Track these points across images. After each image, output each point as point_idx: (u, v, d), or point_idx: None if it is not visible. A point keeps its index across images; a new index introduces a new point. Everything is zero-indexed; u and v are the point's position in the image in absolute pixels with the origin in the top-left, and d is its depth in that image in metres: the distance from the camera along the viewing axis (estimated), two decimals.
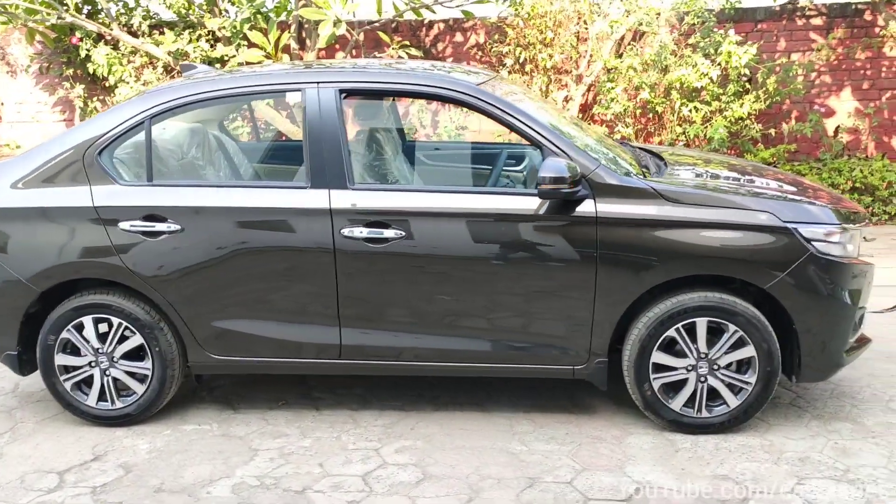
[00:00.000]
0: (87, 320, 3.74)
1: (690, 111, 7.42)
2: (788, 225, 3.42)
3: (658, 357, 3.56)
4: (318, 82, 3.66)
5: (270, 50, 7.30)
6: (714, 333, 3.53)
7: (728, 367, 3.56)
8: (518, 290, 3.55)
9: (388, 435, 3.71)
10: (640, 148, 4.59)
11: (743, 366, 3.57)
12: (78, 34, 7.73)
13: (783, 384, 4.03)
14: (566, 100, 7.99)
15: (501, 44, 8.00)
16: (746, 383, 3.55)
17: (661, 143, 7.72)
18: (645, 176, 3.72)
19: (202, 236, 3.62)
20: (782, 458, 3.41)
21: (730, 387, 3.57)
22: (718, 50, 7.16)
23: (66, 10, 7.30)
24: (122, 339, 3.76)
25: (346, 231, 3.54)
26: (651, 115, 7.77)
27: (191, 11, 7.73)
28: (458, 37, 8.62)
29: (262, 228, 3.61)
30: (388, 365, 3.72)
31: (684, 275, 3.48)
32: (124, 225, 3.62)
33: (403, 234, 3.53)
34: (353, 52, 7.93)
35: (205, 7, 7.67)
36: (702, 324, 3.50)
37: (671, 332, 3.52)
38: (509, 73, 8.10)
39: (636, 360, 3.57)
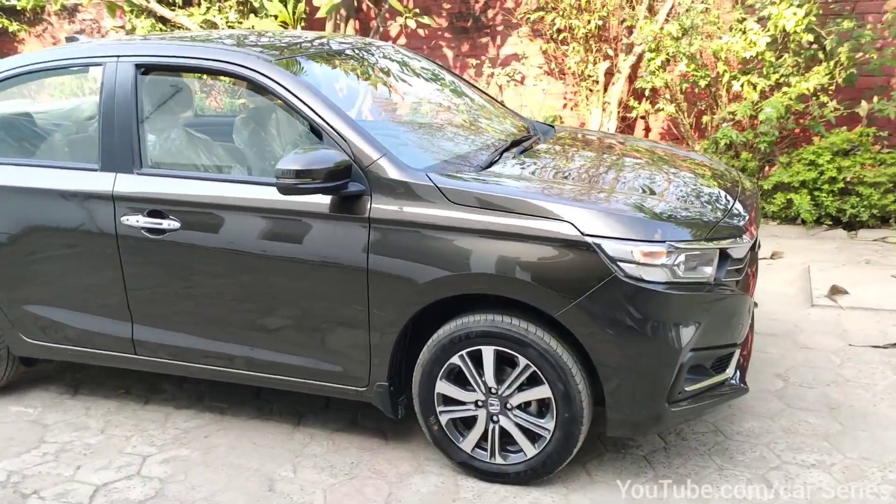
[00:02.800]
0: None
1: (742, 86, 6.30)
2: (589, 239, 2.69)
3: (443, 387, 2.99)
4: (118, 56, 3.40)
5: (288, 19, 7.12)
6: (512, 365, 2.90)
7: (525, 407, 2.92)
8: (291, 297, 3.12)
9: (176, 441, 3.45)
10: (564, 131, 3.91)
11: (543, 408, 2.91)
12: (125, 7, 8.01)
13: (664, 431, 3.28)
14: (609, 72, 7.12)
15: (535, 11, 7.25)
16: (544, 429, 2.89)
17: (710, 122, 6.65)
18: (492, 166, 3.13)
19: (4, 217, 3.52)
20: None
21: (526, 432, 2.92)
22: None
23: None
24: None
25: (125, 219, 3.28)
26: (698, 91, 6.71)
27: None
28: (510, 2, 7.96)
29: (55, 212, 3.44)
30: (177, 365, 3.44)
31: (458, 293, 2.87)
32: None
33: (179, 225, 3.21)
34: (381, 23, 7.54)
35: None
36: (488, 353, 2.88)
37: (455, 360, 2.94)
38: (547, 42, 7.36)
39: (422, 389, 3.03)
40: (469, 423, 3.01)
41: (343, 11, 7.44)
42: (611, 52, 7.08)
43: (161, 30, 7.90)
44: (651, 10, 6.78)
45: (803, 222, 6.33)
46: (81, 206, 3.38)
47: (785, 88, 6.21)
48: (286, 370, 3.22)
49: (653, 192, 3.07)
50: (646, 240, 2.69)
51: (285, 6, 7.16)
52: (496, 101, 4.30)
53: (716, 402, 2.95)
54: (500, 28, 8.04)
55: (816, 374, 3.83)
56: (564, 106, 7.72)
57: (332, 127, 3.01)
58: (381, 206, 2.92)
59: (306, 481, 3.10)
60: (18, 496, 3.08)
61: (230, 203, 3.15)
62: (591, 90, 7.17)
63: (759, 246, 3.68)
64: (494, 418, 2.95)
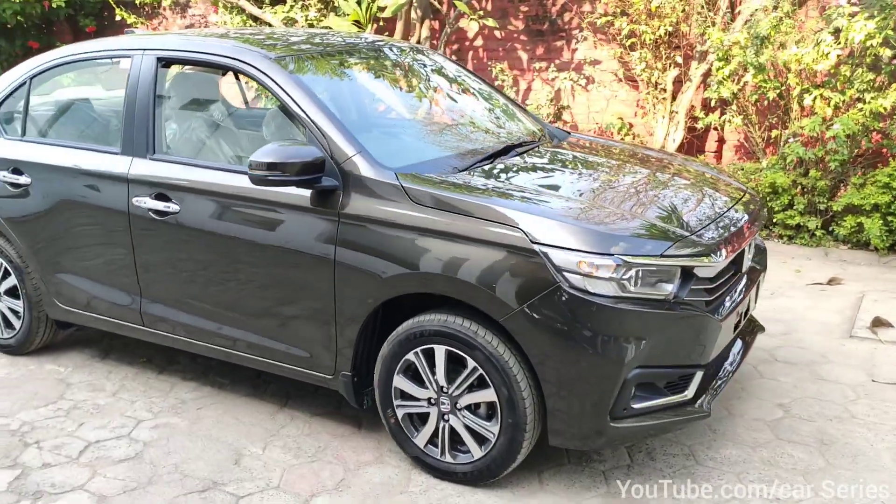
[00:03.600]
0: None
1: (815, 100, 5.98)
2: (537, 247, 2.69)
3: (400, 382, 3.07)
4: (143, 49, 3.67)
5: (362, 18, 7.33)
6: (464, 367, 2.93)
7: (475, 409, 2.95)
8: (269, 283, 3.28)
9: (172, 409, 3.69)
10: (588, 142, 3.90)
11: (491, 411, 2.93)
12: (221, 3, 8.47)
13: (638, 447, 3.23)
14: (678, 80, 6.91)
15: (603, 16, 7.12)
16: (490, 433, 2.91)
17: (778, 137, 6.35)
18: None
19: (43, 193, 3.87)
20: None
21: (474, 433, 2.95)
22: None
23: None
24: (5, 276, 4.16)
25: (136, 200, 3.54)
26: (767, 104, 6.41)
27: None
28: (587, 6, 7.86)
29: (83, 190, 3.75)
30: (174, 339, 3.68)
31: (413, 291, 2.94)
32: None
33: (178, 208, 3.43)
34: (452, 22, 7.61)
35: None
36: (440, 352, 2.94)
37: (411, 357, 3.01)
38: (619, 47, 7.22)
39: (381, 382, 3.11)
40: (423, 419, 3.07)
41: (419, 11, 7.58)
42: (680, 60, 6.88)
43: (250, 26, 8.31)
44: (726, 18, 6.55)
45: (876, 249, 5.96)
46: (103, 186, 3.67)
47: (860, 105, 5.87)
48: (262, 352, 3.38)
49: (619, 203, 3.02)
50: (594, 251, 2.66)
51: (359, 5, 7.37)
52: (518, 105, 4.31)
53: (669, 424, 2.87)
54: (575, 32, 7.97)
55: (822, 407, 3.64)
56: (636, 114, 7.57)
57: (313, 122, 3.14)
58: (350, 202, 3.03)
59: (271, 459, 3.25)
60: (21, 444, 3.40)
61: (222, 190, 3.33)
62: (657, 98, 6.99)
63: (763, 269, 3.54)
64: (445, 417, 3.00)
